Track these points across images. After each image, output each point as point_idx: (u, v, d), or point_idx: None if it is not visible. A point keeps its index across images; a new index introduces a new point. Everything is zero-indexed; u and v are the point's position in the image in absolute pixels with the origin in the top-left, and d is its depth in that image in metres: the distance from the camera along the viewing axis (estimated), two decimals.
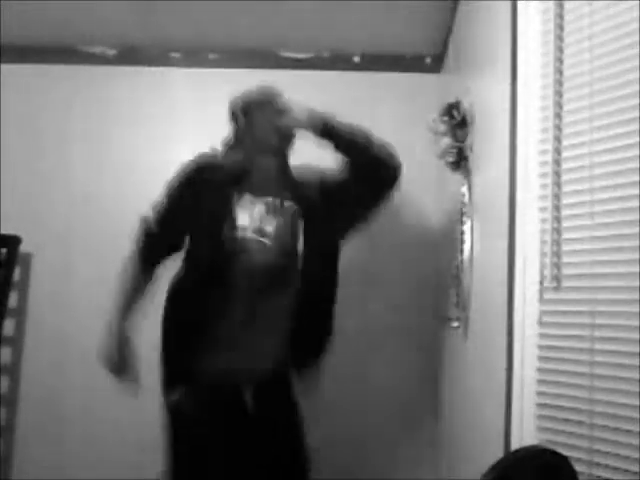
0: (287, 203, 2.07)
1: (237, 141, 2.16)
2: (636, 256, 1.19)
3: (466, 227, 2.06)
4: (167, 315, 2.06)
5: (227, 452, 1.95)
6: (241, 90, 2.24)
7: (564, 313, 1.35)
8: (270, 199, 2.05)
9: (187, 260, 2.07)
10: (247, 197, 2.04)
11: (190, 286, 2.03)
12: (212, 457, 1.94)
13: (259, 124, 2.12)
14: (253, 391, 2.01)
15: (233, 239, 1.99)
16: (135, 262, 2.14)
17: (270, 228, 2.03)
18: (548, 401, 1.37)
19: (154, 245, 2.14)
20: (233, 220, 2.00)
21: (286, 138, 2.12)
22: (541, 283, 1.40)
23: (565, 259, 1.35)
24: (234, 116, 2.18)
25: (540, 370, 1.39)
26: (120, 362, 2.10)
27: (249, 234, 2.01)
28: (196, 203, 2.04)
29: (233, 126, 2.18)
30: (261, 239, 2.01)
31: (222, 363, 1.97)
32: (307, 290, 2.02)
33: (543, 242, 1.40)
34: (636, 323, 1.18)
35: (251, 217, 2.02)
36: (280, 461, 2.01)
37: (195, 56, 2.98)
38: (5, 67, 2.91)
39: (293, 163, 2.18)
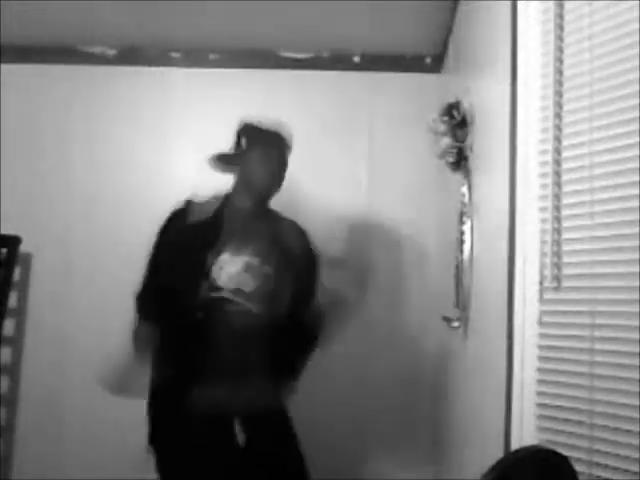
0: (264, 264, 2.03)
1: (233, 165, 2.12)
2: (636, 256, 1.19)
3: (466, 227, 2.06)
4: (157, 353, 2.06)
5: None
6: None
7: (564, 313, 1.35)
8: (248, 259, 2.02)
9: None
10: (226, 256, 2.01)
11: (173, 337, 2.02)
12: None
13: (255, 162, 2.08)
14: (244, 424, 1.99)
15: (212, 300, 1.98)
16: (138, 321, 2.14)
17: (248, 289, 2.01)
18: (548, 401, 1.37)
19: (147, 306, 2.13)
20: (212, 281, 1.98)
21: (274, 186, 2.09)
22: (541, 283, 1.40)
23: (565, 259, 1.35)
24: (238, 138, 2.13)
25: (540, 370, 1.39)
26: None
27: (227, 294, 1.99)
28: (174, 263, 2.02)
29: (234, 147, 2.14)
30: (240, 301, 2.00)
31: (211, 395, 1.95)
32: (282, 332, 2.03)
33: (543, 242, 1.40)
34: (636, 323, 1.17)
35: (229, 277, 1.99)
36: None
37: (195, 56, 2.98)
38: (5, 67, 2.91)
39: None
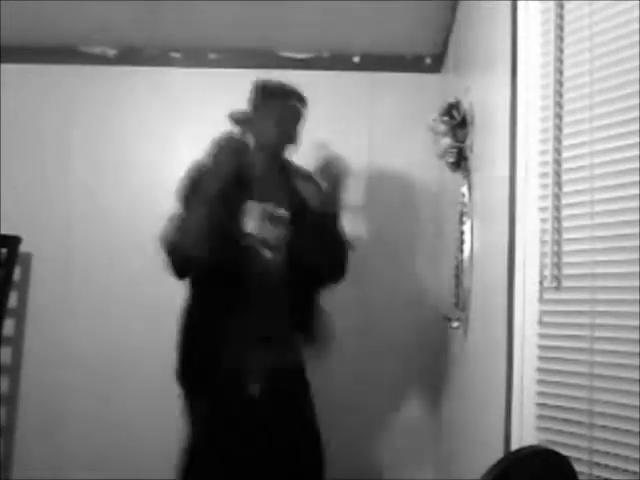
0: (282, 210, 2.10)
1: (247, 123, 2.16)
2: (636, 256, 1.19)
3: (466, 227, 2.06)
4: (184, 327, 2.14)
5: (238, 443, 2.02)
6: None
7: (564, 313, 1.35)
8: (268, 206, 2.09)
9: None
10: (251, 204, 2.08)
11: (204, 295, 2.09)
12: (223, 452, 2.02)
13: (268, 118, 2.12)
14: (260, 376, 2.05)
15: (243, 247, 2.04)
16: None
17: (270, 236, 2.07)
18: (548, 401, 1.37)
19: (183, 256, 2.07)
20: (241, 228, 2.05)
21: (288, 140, 2.14)
22: (541, 283, 1.40)
23: (565, 259, 1.35)
24: (252, 97, 2.18)
25: (540, 370, 1.39)
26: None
27: (253, 242, 2.06)
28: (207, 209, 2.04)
29: (249, 105, 2.18)
30: (264, 249, 2.07)
31: (236, 359, 2.03)
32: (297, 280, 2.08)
33: (543, 242, 1.40)
34: (636, 323, 1.17)
35: (255, 225, 2.07)
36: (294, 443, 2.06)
37: (195, 56, 2.98)
38: (5, 67, 2.91)
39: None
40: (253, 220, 2.07)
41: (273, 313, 2.07)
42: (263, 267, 2.07)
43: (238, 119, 2.16)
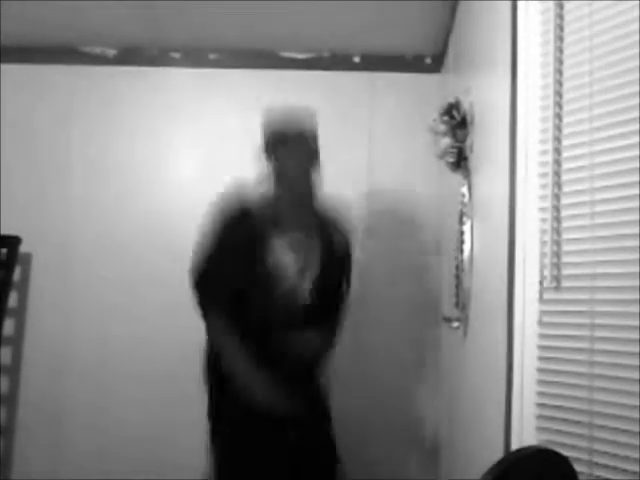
0: (312, 240, 2.14)
1: (269, 175, 2.16)
2: (636, 256, 1.19)
3: (466, 227, 2.06)
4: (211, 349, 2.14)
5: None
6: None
7: (564, 313, 1.35)
8: (299, 236, 2.12)
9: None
10: (283, 237, 2.10)
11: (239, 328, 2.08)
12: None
13: (285, 164, 2.12)
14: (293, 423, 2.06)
15: (275, 280, 2.06)
16: (211, 317, 2.11)
17: (302, 266, 2.10)
18: (548, 401, 1.37)
19: (217, 287, 2.10)
20: (273, 262, 2.07)
21: (307, 183, 2.14)
22: (541, 283, 1.40)
23: (565, 259, 1.35)
24: (264, 143, 2.15)
25: (540, 370, 1.39)
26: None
27: (287, 274, 2.08)
28: (240, 246, 2.07)
29: (265, 157, 2.16)
30: (297, 281, 2.09)
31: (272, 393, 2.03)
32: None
33: (543, 242, 1.40)
34: (636, 323, 1.17)
35: (287, 257, 2.09)
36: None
37: (195, 56, 2.98)
38: (5, 67, 2.91)
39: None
40: (285, 253, 2.09)
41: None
42: (295, 304, 2.09)
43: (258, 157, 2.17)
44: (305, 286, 2.10)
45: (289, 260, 2.09)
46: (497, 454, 1.36)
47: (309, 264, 2.12)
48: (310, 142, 2.14)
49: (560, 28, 1.40)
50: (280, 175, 2.13)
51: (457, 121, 2.06)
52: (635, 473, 1.15)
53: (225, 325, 2.06)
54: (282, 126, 2.13)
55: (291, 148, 2.11)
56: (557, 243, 1.37)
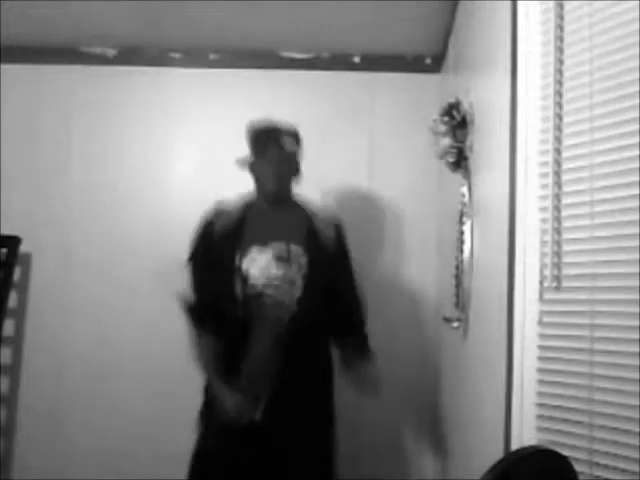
0: (294, 248, 2.13)
1: (250, 168, 2.23)
2: (636, 256, 1.19)
3: (466, 227, 2.06)
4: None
5: None
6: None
7: (564, 313, 1.35)
8: (277, 245, 2.12)
9: None
10: (253, 252, 2.11)
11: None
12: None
13: (265, 165, 2.19)
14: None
15: (247, 295, 2.08)
16: (195, 334, 2.19)
17: (279, 278, 2.10)
18: (548, 401, 1.37)
19: (202, 314, 2.17)
20: (245, 278, 2.09)
21: (284, 183, 2.20)
22: (541, 283, 1.40)
23: (565, 259, 1.35)
24: (248, 143, 2.24)
25: (540, 370, 1.39)
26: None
27: (261, 289, 2.09)
28: (210, 263, 2.13)
29: (248, 151, 2.24)
30: (272, 293, 2.09)
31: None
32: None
33: (543, 242, 1.40)
34: (636, 323, 1.17)
35: (260, 269, 2.10)
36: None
37: (195, 56, 2.98)
38: (5, 67, 2.91)
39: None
40: (257, 266, 2.10)
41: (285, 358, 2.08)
42: (273, 313, 2.09)
43: (242, 164, 2.23)
44: (295, 294, 2.10)
45: (275, 272, 2.10)
46: (497, 454, 1.36)
47: (296, 273, 2.12)
48: (289, 144, 2.19)
49: (560, 28, 1.40)
50: (260, 175, 2.20)
51: (457, 121, 2.06)
52: (635, 473, 1.15)
53: (203, 334, 2.14)
54: (263, 125, 2.23)
55: (273, 147, 2.17)
56: (557, 243, 1.37)
